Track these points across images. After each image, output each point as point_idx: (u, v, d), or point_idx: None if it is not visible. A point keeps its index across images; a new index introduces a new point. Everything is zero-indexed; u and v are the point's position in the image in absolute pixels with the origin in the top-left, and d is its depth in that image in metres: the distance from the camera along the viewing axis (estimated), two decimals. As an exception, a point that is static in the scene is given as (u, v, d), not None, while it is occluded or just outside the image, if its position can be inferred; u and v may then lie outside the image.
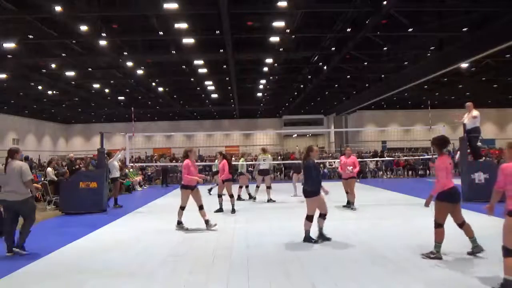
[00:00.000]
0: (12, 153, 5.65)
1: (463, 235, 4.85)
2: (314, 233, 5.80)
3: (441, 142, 4.94)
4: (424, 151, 24.10)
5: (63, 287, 4.19)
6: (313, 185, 5.67)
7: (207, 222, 6.88)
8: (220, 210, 9.00)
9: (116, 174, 10.68)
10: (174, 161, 19.60)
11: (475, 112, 9.66)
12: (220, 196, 9.13)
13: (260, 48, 17.07)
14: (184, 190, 6.89)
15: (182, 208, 6.97)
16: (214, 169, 13.25)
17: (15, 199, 5.45)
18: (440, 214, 4.71)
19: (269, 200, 10.86)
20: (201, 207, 6.92)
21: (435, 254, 4.68)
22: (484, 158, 10.79)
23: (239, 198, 11.24)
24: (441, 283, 3.94)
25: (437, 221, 4.72)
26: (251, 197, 11.32)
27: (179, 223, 7.03)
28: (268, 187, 11.06)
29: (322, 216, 5.78)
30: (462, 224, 4.82)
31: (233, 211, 8.93)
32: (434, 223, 4.75)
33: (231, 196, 9.07)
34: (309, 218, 5.72)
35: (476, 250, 4.75)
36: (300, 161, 11.84)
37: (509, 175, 3.66)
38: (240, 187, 11.59)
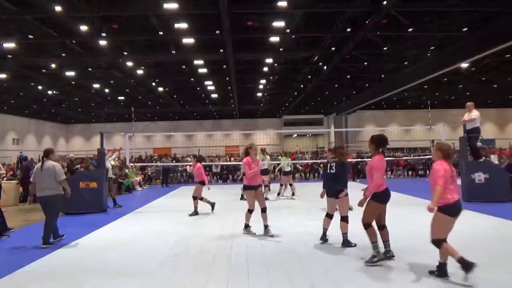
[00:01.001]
0: (47, 153, 6.27)
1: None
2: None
3: (380, 141, 4.74)
4: (423, 151, 24.10)
5: (63, 287, 4.19)
6: (345, 185, 5.54)
7: (266, 227, 6.33)
8: (198, 212, 8.78)
9: (109, 174, 10.62)
10: (174, 161, 19.61)
11: (475, 113, 9.64)
12: (195, 198, 8.90)
13: (260, 48, 17.08)
14: (248, 191, 6.41)
15: (250, 211, 6.43)
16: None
17: (48, 194, 5.99)
18: (372, 215, 4.63)
19: (266, 199, 11.06)
20: (263, 210, 6.30)
21: (377, 257, 4.57)
22: (484, 158, 10.77)
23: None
24: (441, 282, 3.93)
25: (367, 221, 4.61)
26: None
27: (247, 226, 6.49)
28: (266, 186, 11.41)
29: (330, 216, 5.67)
30: (383, 227, 4.75)
31: (195, 213, 8.70)
32: (363, 225, 4.63)
33: (201, 199, 8.94)
34: (346, 219, 5.46)
35: (389, 254, 4.70)
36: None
37: (447, 172, 3.92)
38: None
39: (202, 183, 9.02)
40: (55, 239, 6.14)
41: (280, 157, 13.88)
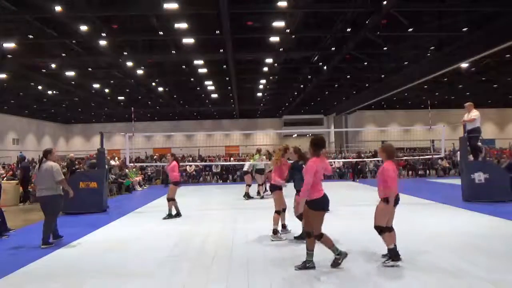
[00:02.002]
0: (46, 154, 6.26)
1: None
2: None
3: (316, 144, 4.56)
4: (423, 151, 24.10)
5: (63, 287, 4.19)
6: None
7: (283, 226, 6.33)
8: (172, 215, 8.40)
9: None
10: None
11: (474, 113, 9.63)
12: (170, 200, 8.45)
13: (260, 48, 17.07)
14: (277, 191, 6.15)
15: (279, 212, 6.14)
16: (245, 169, 12.60)
17: (46, 194, 6.02)
18: (319, 224, 4.42)
19: (262, 197, 11.46)
20: (283, 210, 6.27)
21: (309, 264, 4.43)
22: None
23: (246, 196, 11.58)
24: (441, 282, 3.93)
25: (317, 232, 4.39)
26: (249, 197, 11.48)
27: (275, 232, 6.04)
28: (262, 184, 11.74)
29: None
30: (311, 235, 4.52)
31: (170, 216, 8.34)
32: (315, 235, 4.39)
33: (173, 199, 8.47)
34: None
35: (310, 264, 4.45)
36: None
37: (395, 172, 4.52)
38: (247, 185, 11.87)
39: (176, 183, 8.52)
40: (54, 239, 6.14)
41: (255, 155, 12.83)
